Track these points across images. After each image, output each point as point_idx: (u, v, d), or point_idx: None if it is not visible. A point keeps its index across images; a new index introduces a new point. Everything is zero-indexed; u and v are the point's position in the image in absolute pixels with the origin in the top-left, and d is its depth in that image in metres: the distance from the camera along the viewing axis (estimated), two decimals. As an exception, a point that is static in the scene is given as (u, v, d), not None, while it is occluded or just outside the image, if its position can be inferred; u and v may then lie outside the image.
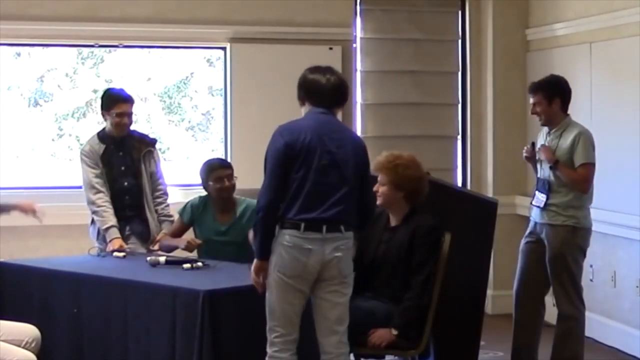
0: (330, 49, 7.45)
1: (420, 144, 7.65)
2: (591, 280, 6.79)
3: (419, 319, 4.81)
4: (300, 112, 4.51)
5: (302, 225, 4.23)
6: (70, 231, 6.88)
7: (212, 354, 4.23)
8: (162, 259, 5.08)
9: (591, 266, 6.77)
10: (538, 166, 5.71)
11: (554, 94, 5.58)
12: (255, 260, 4.31)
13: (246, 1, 7.37)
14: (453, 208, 5.25)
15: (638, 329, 6.33)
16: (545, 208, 5.56)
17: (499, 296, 7.42)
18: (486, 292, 5.73)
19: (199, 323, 4.24)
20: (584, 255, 5.64)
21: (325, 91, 4.42)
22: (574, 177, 5.49)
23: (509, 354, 5.91)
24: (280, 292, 4.25)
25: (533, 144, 5.74)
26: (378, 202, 4.91)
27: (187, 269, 4.90)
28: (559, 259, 5.52)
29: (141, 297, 4.58)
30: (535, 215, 5.67)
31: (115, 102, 5.72)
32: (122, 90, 5.89)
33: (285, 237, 4.24)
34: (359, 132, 7.66)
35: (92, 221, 5.78)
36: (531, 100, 5.65)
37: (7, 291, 5.09)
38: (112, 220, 5.62)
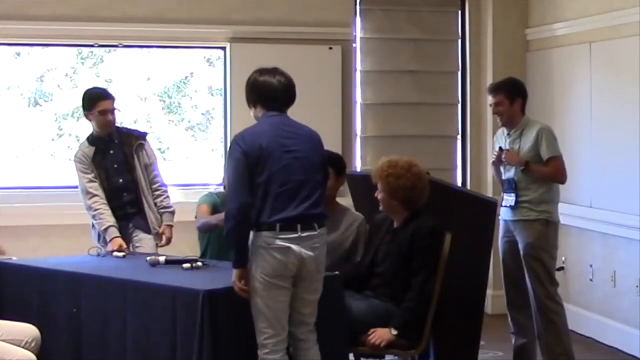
0: (330, 49, 7.46)
1: (420, 144, 7.66)
2: (591, 280, 6.79)
3: (419, 319, 4.82)
4: (252, 115, 4.55)
5: (278, 226, 4.27)
6: (70, 231, 6.88)
7: (212, 354, 4.23)
8: (162, 259, 5.08)
9: (591, 266, 6.78)
10: (501, 168, 5.77)
11: (516, 94, 5.71)
12: (235, 271, 4.32)
13: (246, 1, 7.37)
14: (453, 208, 5.26)
15: (638, 329, 6.33)
16: (516, 206, 5.61)
17: (499, 296, 7.39)
18: (486, 292, 5.74)
19: (199, 323, 4.24)
20: (557, 250, 5.73)
21: (278, 94, 4.47)
22: (548, 172, 5.61)
23: (509, 354, 5.92)
24: (265, 292, 4.28)
25: (501, 149, 5.77)
26: (380, 208, 5.00)
27: (187, 269, 4.90)
28: (534, 254, 5.60)
29: (141, 297, 4.57)
30: (506, 215, 5.72)
31: (95, 100, 5.72)
32: (101, 88, 5.95)
33: (264, 240, 4.27)
34: (359, 132, 7.68)
35: (93, 225, 5.78)
36: (492, 101, 5.74)
37: (7, 291, 5.09)
38: (109, 220, 5.63)
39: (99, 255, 5.43)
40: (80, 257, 5.42)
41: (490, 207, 5.55)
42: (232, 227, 4.28)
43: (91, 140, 5.79)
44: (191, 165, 8.34)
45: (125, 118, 8.42)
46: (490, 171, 7.73)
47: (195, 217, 5.70)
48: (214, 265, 5.01)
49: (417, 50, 7.82)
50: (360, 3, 7.68)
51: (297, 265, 4.31)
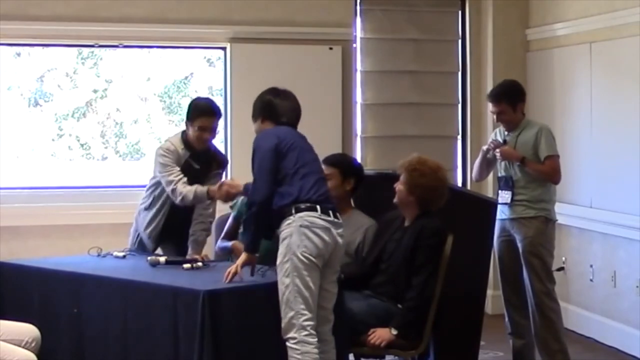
0: (330, 49, 7.45)
1: (420, 144, 7.64)
2: (591, 280, 6.79)
3: (419, 319, 4.82)
4: (255, 127, 4.72)
5: (319, 207, 4.37)
6: (70, 231, 6.88)
7: (212, 354, 4.23)
8: (162, 259, 5.08)
9: (591, 266, 6.78)
10: (498, 165, 5.80)
11: (517, 99, 5.75)
12: (244, 254, 4.45)
13: (246, 1, 7.36)
14: (453, 208, 5.25)
15: (638, 329, 6.33)
16: (513, 204, 5.63)
17: (499, 296, 7.36)
18: (486, 292, 5.74)
19: (199, 323, 4.23)
20: (554, 249, 5.74)
21: (291, 116, 4.68)
22: (544, 169, 5.62)
23: (509, 354, 5.92)
24: (307, 272, 4.30)
25: (503, 142, 5.77)
26: (395, 199, 5.01)
27: (187, 269, 4.90)
28: (534, 249, 5.61)
29: (141, 297, 4.57)
30: (502, 214, 5.72)
31: (199, 114, 5.35)
32: (209, 101, 5.52)
33: (306, 219, 4.34)
34: (359, 132, 7.68)
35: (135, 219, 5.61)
36: (493, 109, 5.74)
37: (7, 291, 5.09)
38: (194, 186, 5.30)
39: (99, 255, 5.42)
40: (80, 257, 5.41)
41: (490, 207, 5.56)
42: (256, 212, 4.43)
43: (186, 143, 5.42)
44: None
45: (125, 118, 8.45)
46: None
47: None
48: (214, 265, 5.00)
49: (417, 50, 7.82)
50: (360, 3, 7.68)
51: (331, 250, 4.39)
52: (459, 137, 7.98)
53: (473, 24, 7.87)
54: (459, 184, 7.81)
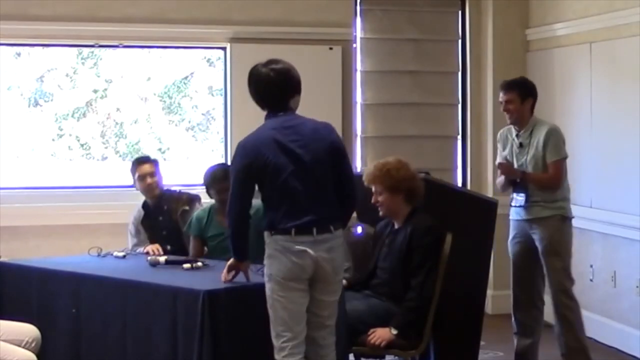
0: (330, 49, 7.45)
1: (420, 144, 7.66)
2: (591, 280, 6.79)
3: (419, 319, 4.82)
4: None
5: (293, 230, 4.26)
6: (71, 231, 6.88)
7: (212, 354, 4.23)
8: (162, 259, 5.08)
9: (591, 266, 6.77)
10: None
11: (528, 94, 5.73)
12: (232, 259, 4.48)
13: (246, 1, 7.36)
14: (453, 208, 5.26)
15: (638, 329, 6.33)
16: (529, 205, 5.62)
17: (499, 296, 7.41)
18: (486, 292, 5.74)
19: (199, 323, 4.24)
20: (572, 246, 5.74)
21: (269, 86, 4.40)
22: (543, 179, 5.64)
23: (509, 354, 5.93)
24: (282, 294, 4.26)
25: (521, 144, 5.76)
26: (381, 213, 4.97)
27: (187, 269, 4.90)
28: (553, 248, 5.61)
29: (141, 297, 4.58)
30: (517, 215, 5.72)
31: (135, 166, 5.80)
32: (141, 156, 6.10)
33: (280, 243, 4.27)
34: (359, 132, 7.67)
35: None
36: (502, 98, 5.73)
37: (7, 291, 5.09)
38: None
39: (99, 255, 5.42)
40: (80, 257, 5.41)
41: (490, 207, 5.55)
42: (232, 234, 4.43)
43: (144, 204, 5.83)
44: (191, 165, 8.35)
45: (125, 118, 8.45)
46: (490, 171, 7.76)
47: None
48: (214, 266, 5.00)
49: (417, 50, 7.82)
50: (360, 3, 7.68)
51: (313, 267, 4.28)
52: (459, 137, 7.97)
53: (473, 24, 7.86)
54: (459, 184, 7.81)
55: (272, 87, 4.41)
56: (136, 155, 6.00)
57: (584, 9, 6.89)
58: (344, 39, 7.55)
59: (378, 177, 4.94)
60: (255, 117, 7.26)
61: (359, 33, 7.69)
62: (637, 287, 6.35)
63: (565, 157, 5.68)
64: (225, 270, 4.50)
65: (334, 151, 4.39)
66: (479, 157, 7.88)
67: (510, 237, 5.80)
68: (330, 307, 4.40)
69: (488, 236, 5.47)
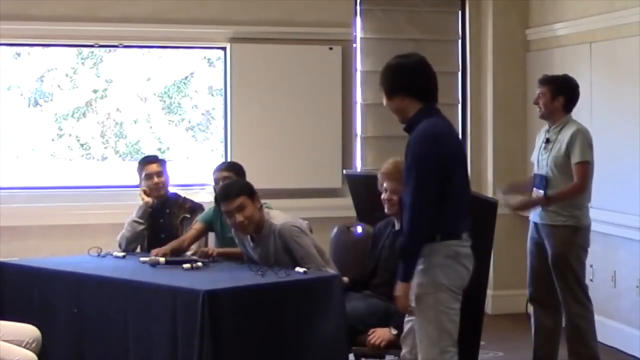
0: (330, 49, 7.45)
1: (420, 144, 7.64)
2: (591, 280, 6.78)
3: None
4: (392, 107, 4.26)
5: (463, 235, 3.97)
6: (71, 231, 6.88)
7: (212, 354, 4.23)
8: (162, 259, 5.08)
9: (591, 266, 6.77)
10: (535, 165, 5.73)
11: (560, 91, 5.62)
12: (400, 284, 3.94)
13: (246, 1, 7.36)
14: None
15: (638, 329, 6.33)
16: (545, 208, 5.57)
17: (499, 296, 7.42)
18: (486, 292, 5.72)
19: (199, 323, 4.23)
20: (587, 253, 5.67)
21: (432, 82, 4.04)
22: (568, 193, 5.51)
23: (509, 354, 5.92)
24: (453, 306, 3.97)
25: (548, 140, 5.71)
26: (387, 211, 4.86)
27: (187, 269, 4.90)
28: (562, 259, 5.53)
29: (141, 297, 4.58)
30: (534, 217, 5.69)
31: (141, 165, 5.75)
32: (149, 155, 6.07)
33: (452, 249, 3.93)
34: (359, 132, 7.67)
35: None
36: (538, 91, 5.69)
37: (7, 291, 5.09)
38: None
39: (99, 255, 5.42)
40: (80, 257, 5.41)
41: (490, 207, 5.53)
42: (416, 238, 3.90)
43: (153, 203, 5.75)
44: (191, 165, 8.36)
45: (125, 118, 8.45)
46: (490, 171, 7.76)
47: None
48: (214, 266, 5.00)
49: (417, 51, 7.64)
50: (360, 3, 7.68)
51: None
52: (459, 137, 7.97)
53: (473, 24, 7.86)
54: (459, 184, 7.80)
55: (431, 74, 4.06)
56: (142, 155, 5.92)
57: (584, 9, 6.89)
58: (344, 39, 7.55)
59: (394, 174, 4.88)
60: (255, 117, 7.32)
61: (359, 33, 7.69)
62: (637, 287, 6.35)
63: (589, 161, 5.52)
64: (403, 298, 3.96)
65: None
66: (479, 157, 7.88)
67: (528, 236, 5.76)
68: None
69: (488, 236, 5.44)
